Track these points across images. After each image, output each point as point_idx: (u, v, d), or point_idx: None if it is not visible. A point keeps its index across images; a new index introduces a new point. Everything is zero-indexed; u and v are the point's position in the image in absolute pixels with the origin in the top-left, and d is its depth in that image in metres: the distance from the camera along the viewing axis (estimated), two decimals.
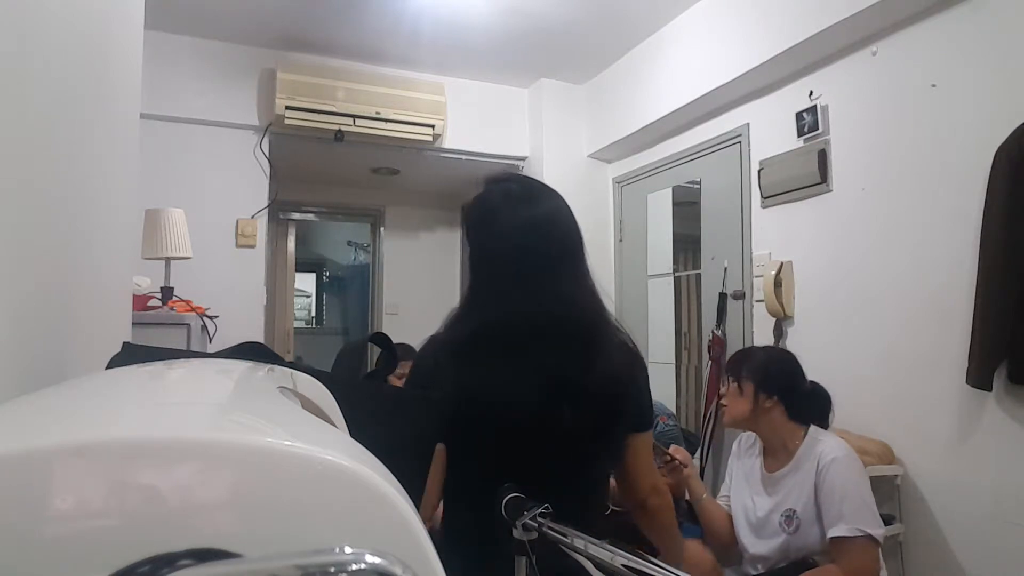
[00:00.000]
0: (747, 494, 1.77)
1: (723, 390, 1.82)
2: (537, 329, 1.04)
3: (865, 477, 1.63)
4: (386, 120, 3.39)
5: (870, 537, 1.51)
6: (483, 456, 1.05)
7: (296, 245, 4.85)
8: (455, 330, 1.11)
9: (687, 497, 1.83)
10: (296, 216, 4.82)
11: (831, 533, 1.52)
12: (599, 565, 0.66)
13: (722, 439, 2.75)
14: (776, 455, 1.72)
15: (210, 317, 2.40)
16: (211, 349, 2.34)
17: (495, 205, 1.11)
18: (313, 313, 7.62)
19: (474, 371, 1.05)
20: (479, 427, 1.03)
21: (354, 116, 3.33)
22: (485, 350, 1.06)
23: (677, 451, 1.78)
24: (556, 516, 0.78)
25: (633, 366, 1.11)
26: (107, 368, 0.65)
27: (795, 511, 1.61)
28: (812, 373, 2.22)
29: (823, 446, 1.63)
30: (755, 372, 1.73)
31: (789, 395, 1.72)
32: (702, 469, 2.77)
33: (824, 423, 1.80)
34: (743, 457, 1.84)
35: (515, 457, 1.00)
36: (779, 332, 2.59)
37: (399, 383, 1.48)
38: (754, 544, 1.70)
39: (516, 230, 1.07)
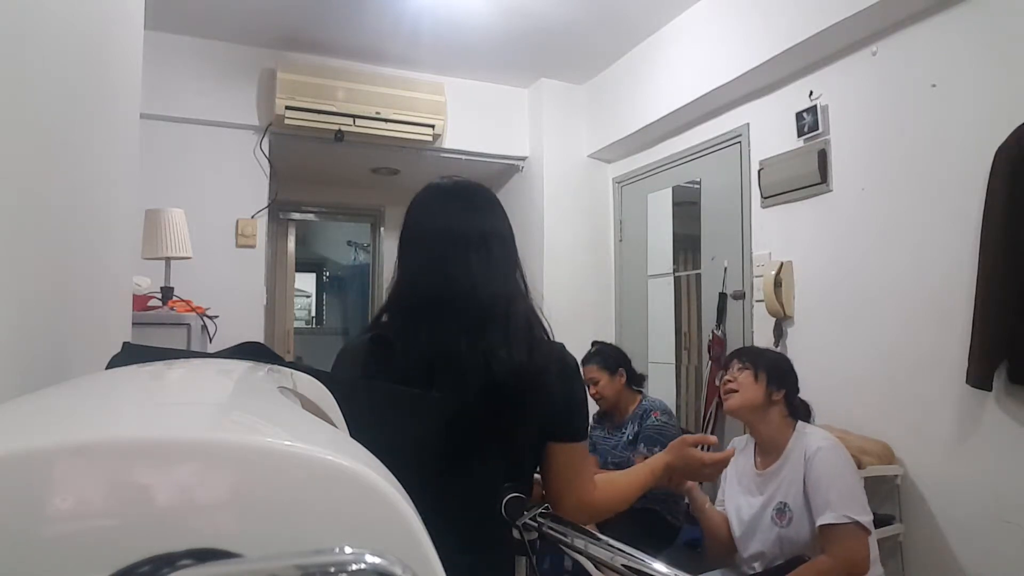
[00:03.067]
0: (740, 495, 1.78)
1: (730, 375, 1.83)
2: (447, 302, 1.04)
3: (852, 466, 1.66)
4: (386, 120, 3.39)
5: (858, 524, 1.52)
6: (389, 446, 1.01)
7: (296, 245, 4.85)
8: (387, 307, 1.12)
9: (686, 499, 1.84)
10: (296, 216, 4.82)
11: (820, 521, 1.54)
12: (599, 565, 0.66)
13: (722, 439, 2.75)
14: (768, 453, 1.74)
15: (210, 317, 2.40)
16: (211, 349, 2.34)
17: (431, 194, 1.15)
18: (313, 313, 7.61)
19: (382, 349, 1.05)
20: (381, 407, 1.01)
21: (354, 116, 3.33)
22: (398, 320, 1.08)
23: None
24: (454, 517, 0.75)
25: (548, 365, 1.06)
26: (107, 368, 0.65)
27: (786, 504, 1.63)
28: (812, 373, 2.23)
29: (808, 438, 1.67)
30: (770, 366, 1.80)
31: (791, 392, 1.79)
32: None
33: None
34: (737, 459, 1.85)
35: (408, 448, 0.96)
36: (779, 332, 2.59)
37: None
38: (749, 542, 1.71)
39: (444, 214, 1.11)
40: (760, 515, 1.69)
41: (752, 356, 1.84)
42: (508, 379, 1.01)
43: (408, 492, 0.33)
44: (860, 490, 1.61)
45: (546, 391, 1.04)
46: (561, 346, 1.11)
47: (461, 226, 1.09)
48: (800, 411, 1.81)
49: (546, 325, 1.11)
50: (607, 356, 2.64)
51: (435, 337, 1.02)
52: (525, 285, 1.12)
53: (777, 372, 1.79)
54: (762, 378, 1.76)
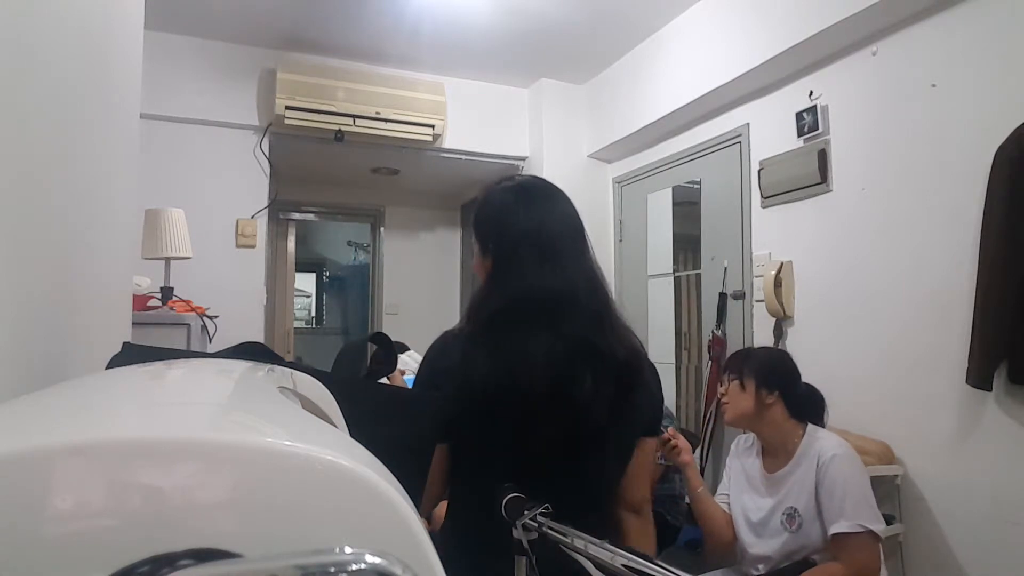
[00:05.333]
0: (747, 495, 1.76)
1: (722, 389, 1.82)
2: (561, 300, 1.04)
3: (865, 474, 1.64)
4: (386, 120, 3.39)
5: (871, 533, 1.52)
6: (495, 451, 1.03)
7: (296, 245, 4.85)
8: (477, 313, 1.10)
9: (687, 499, 1.83)
10: (296, 216, 4.82)
11: (832, 530, 1.53)
12: (599, 565, 0.66)
13: (722, 439, 2.75)
14: (776, 455, 1.72)
15: (210, 317, 2.40)
16: (211, 349, 2.34)
17: (508, 198, 1.13)
18: (313, 313, 7.62)
19: (496, 351, 1.04)
20: (494, 417, 1.02)
21: (354, 116, 3.33)
22: (508, 327, 1.06)
23: (675, 434, 1.81)
24: (562, 515, 0.77)
25: (643, 353, 1.11)
26: (107, 368, 0.65)
27: (796, 509, 1.62)
28: (812, 373, 2.22)
29: (822, 443, 1.64)
30: (756, 369, 1.74)
31: (789, 392, 1.73)
32: (702, 469, 2.77)
33: (820, 423, 1.81)
34: (742, 457, 1.83)
35: (528, 448, 0.99)
36: (779, 332, 2.59)
37: (401, 381, 1.48)
38: (755, 544, 1.69)
39: (532, 216, 1.10)
40: (769, 518, 1.68)
41: (738, 364, 1.79)
42: (627, 369, 1.04)
43: (408, 492, 0.33)
44: (872, 498, 1.59)
45: (655, 384, 1.11)
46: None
47: (554, 224, 1.10)
48: (806, 408, 1.76)
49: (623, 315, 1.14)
50: None
51: (569, 336, 1.02)
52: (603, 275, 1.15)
53: (766, 374, 1.73)
54: (749, 385, 1.72)
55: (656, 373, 1.15)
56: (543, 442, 1.00)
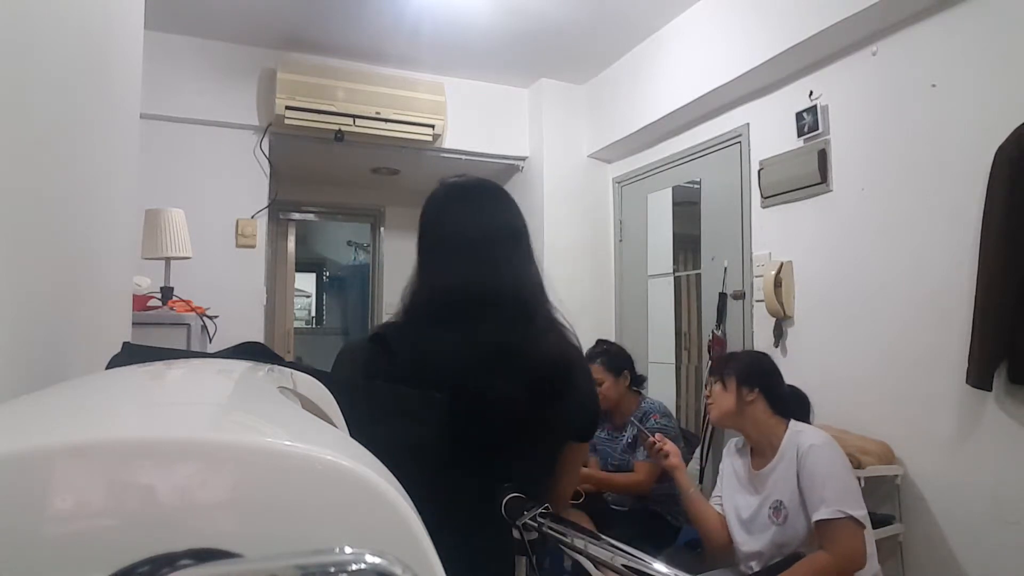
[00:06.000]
0: (738, 494, 1.79)
1: (707, 391, 1.87)
2: (477, 301, 1.04)
3: (845, 461, 1.66)
4: (386, 120, 3.39)
5: (853, 519, 1.53)
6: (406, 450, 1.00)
7: (296, 245, 4.85)
8: (402, 304, 1.11)
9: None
10: (296, 216, 4.82)
11: (815, 517, 1.54)
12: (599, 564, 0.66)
13: (722, 439, 2.75)
14: (763, 453, 1.74)
15: (210, 317, 2.40)
16: (211, 349, 2.34)
17: (442, 194, 1.15)
18: (313, 313, 7.61)
19: (420, 345, 1.04)
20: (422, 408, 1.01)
21: (354, 116, 3.33)
22: (430, 321, 1.06)
23: (661, 439, 1.86)
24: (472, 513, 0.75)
25: (573, 358, 1.09)
26: (107, 368, 0.65)
27: (782, 502, 1.64)
28: (812, 373, 2.23)
29: (802, 436, 1.67)
30: (736, 369, 1.80)
31: (769, 388, 1.77)
32: (702, 470, 2.77)
33: (807, 421, 1.86)
34: (733, 458, 1.86)
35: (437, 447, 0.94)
36: (779, 332, 2.59)
37: None
38: (746, 541, 1.71)
39: (460, 214, 1.11)
40: (757, 514, 1.70)
41: (719, 367, 1.85)
42: (554, 374, 1.02)
43: (408, 492, 0.33)
44: (854, 485, 1.61)
45: (577, 387, 1.06)
46: (578, 343, 1.13)
47: (486, 223, 1.09)
48: (790, 406, 1.80)
49: (565, 321, 1.12)
50: (613, 357, 2.62)
51: (483, 335, 1.01)
52: (543, 279, 1.13)
53: (746, 372, 1.78)
54: (730, 384, 1.77)
55: (587, 369, 1.13)
56: (449, 441, 0.94)
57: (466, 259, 1.07)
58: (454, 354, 1.01)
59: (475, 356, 1.00)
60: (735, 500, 1.78)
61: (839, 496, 1.54)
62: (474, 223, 1.09)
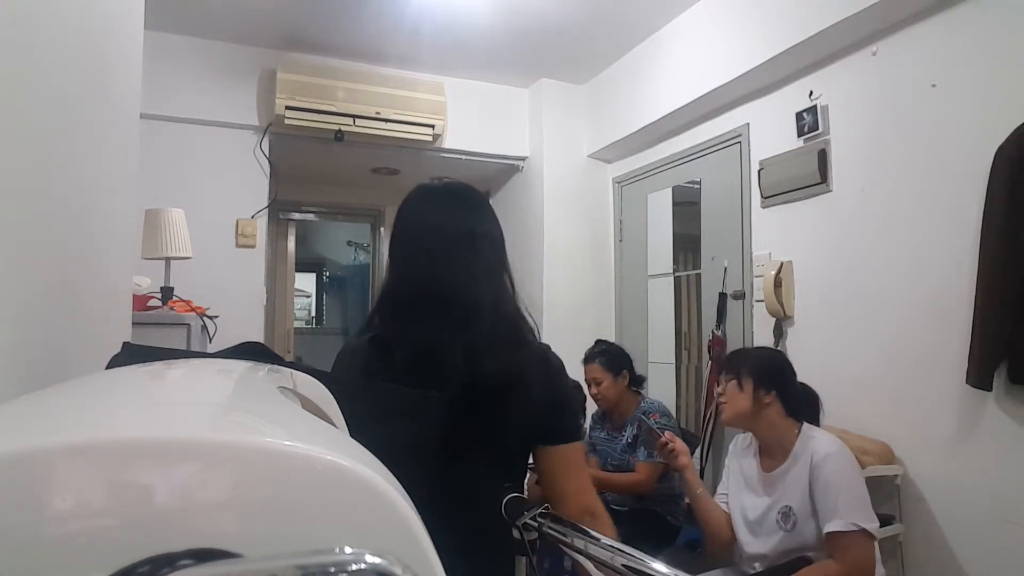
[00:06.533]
0: (744, 494, 1.77)
1: (720, 388, 1.83)
2: (423, 302, 1.04)
3: (859, 472, 1.65)
4: (386, 120, 3.39)
5: (865, 531, 1.52)
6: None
7: (296, 245, 4.85)
8: (373, 308, 1.13)
9: (686, 498, 1.84)
10: (296, 216, 4.82)
11: (827, 528, 1.53)
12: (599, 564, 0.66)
13: (722, 439, 2.75)
14: (773, 455, 1.72)
15: (210, 317, 2.40)
16: (211, 349, 2.34)
17: (412, 196, 1.15)
18: (313, 313, 7.61)
19: (379, 348, 1.04)
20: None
21: (354, 116, 3.33)
22: (386, 319, 1.07)
23: (672, 437, 1.81)
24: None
25: (531, 366, 1.05)
26: (107, 368, 0.65)
27: (791, 508, 1.62)
28: (812, 373, 2.23)
29: (816, 443, 1.65)
30: (754, 369, 1.75)
31: (785, 391, 1.74)
32: (702, 469, 2.77)
33: (815, 422, 1.82)
34: (740, 457, 1.84)
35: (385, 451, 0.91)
36: (779, 332, 2.59)
37: None
38: (752, 543, 1.70)
39: (432, 213, 1.11)
40: (765, 516, 1.69)
41: (735, 364, 1.79)
42: (490, 379, 1.00)
43: (408, 492, 0.33)
44: (866, 496, 1.59)
45: (528, 392, 1.03)
46: (546, 347, 1.10)
47: (449, 225, 1.09)
48: (802, 407, 1.77)
49: (533, 326, 1.10)
50: (612, 357, 2.62)
51: (420, 334, 1.02)
52: (513, 287, 1.11)
53: (763, 373, 1.73)
54: (747, 385, 1.72)
55: (555, 376, 1.08)
56: (418, 443, 0.89)
57: (419, 259, 1.08)
58: (389, 356, 1.02)
59: (406, 359, 1.01)
60: (742, 499, 1.77)
61: (852, 508, 1.53)
62: (432, 224, 1.10)
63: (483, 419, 1.01)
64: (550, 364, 1.09)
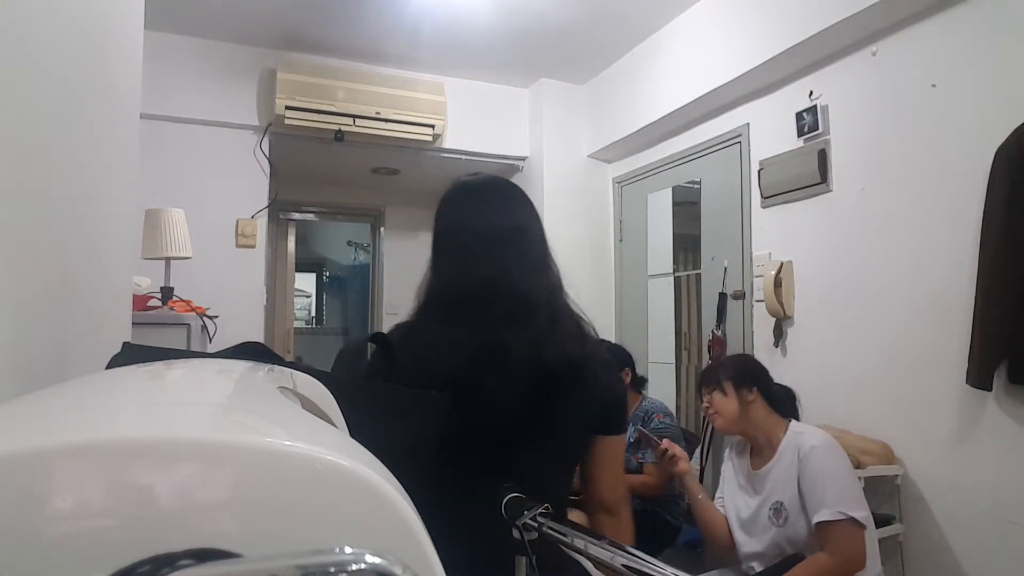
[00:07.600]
0: (738, 494, 1.79)
1: (705, 403, 1.86)
2: (477, 297, 1.03)
3: (847, 462, 1.66)
4: (386, 120, 3.39)
5: (854, 520, 1.52)
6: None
7: (296, 245, 4.85)
8: (416, 302, 1.11)
9: (687, 500, 1.85)
10: (296, 216, 4.82)
11: (815, 519, 1.54)
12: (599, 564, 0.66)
13: (722, 440, 2.75)
14: (762, 453, 1.75)
15: (210, 317, 2.40)
16: (211, 349, 2.34)
17: (453, 192, 1.14)
18: (313, 313, 7.61)
19: (420, 344, 1.04)
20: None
21: (354, 116, 3.33)
22: (436, 320, 1.06)
23: (671, 445, 1.83)
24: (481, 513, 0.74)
25: (594, 360, 1.07)
26: (107, 368, 0.65)
27: (782, 503, 1.63)
28: (812, 373, 2.23)
29: (803, 437, 1.67)
30: (730, 372, 1.81)
31: (765, 387, 1.79)
32: (703, 470, 2.77)
33: (796, 416, 1.85)
34: (734, 459, 1.86)
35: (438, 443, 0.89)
36: (779, 332, 2.59)
37: None
38: (748, 542, 1.71)
39: (466, 212, 1.11)
40: (757, 514, 1.70)
41: (712, 375, 1.85)
42: (560, 370, 1.01)
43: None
44: (856, 486, 1.61)
45: (596, 383, 1.06)
46: (603, 340, 1.12)
47: (497, 222, 1.09)
48: (784, 401, 1.82)
49: (587, 318, 1.12)
50: (613, 356, 2.62)
51: (481, 333, 1.01)
52: (560, 281, 1.12)
53: (741, 373, 1.80)
54: (728, 388, 1.78)
55: (604, 372, 1.11)
56: (450, 441, 0.90)
57: (470, 257, 1.07)
58: (451, 353, 1.01)
59: (470, 355, 1.00)
60: (735, 501, 1.79)
61: (839, 497, 1.54)
62: (480, 221, 1.09)
63: (551, 411, 1.02)
64: (602, 362, 1.11)
